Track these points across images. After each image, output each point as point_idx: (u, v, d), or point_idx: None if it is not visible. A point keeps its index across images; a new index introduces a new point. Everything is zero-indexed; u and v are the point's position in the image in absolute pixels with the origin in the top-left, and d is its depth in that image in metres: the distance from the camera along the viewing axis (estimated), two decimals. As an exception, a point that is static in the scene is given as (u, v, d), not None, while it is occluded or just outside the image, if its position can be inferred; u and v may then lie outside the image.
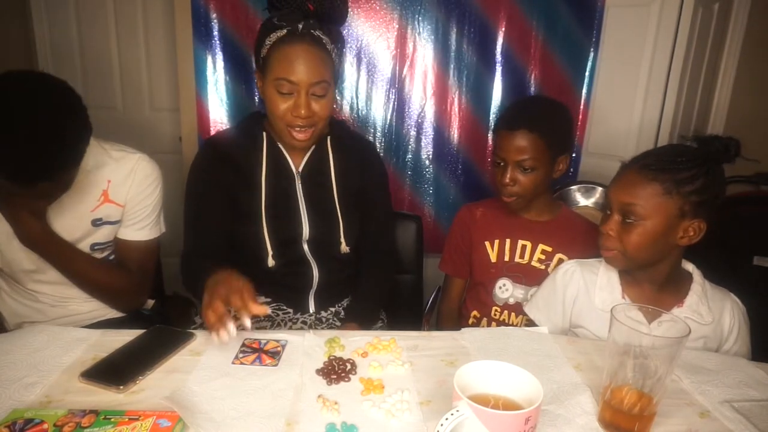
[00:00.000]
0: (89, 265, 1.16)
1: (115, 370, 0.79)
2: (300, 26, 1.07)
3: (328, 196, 1.23)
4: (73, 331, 0.91)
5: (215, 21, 2.01)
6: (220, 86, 2.08)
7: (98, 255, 1.20)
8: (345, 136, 1.28)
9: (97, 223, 1.15)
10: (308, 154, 1.22)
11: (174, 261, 1.21)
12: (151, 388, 0.77)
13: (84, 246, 1.16)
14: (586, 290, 1.08)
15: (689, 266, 1.06)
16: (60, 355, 0.83)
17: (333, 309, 1.28)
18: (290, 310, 1.24)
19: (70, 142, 0.92)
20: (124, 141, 1.20)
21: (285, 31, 1.07)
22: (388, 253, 1.37)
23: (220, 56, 2.05)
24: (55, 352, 0.84)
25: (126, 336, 0.90)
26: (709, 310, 1.01)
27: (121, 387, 0.75)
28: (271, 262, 1.18)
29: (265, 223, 1.18)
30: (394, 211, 1.43)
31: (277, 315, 1.23)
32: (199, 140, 2.13)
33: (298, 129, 1.12)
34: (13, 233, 1.07)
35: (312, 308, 1.25)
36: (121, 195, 1.16)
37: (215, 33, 2.02)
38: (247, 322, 0.85)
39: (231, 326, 0.83)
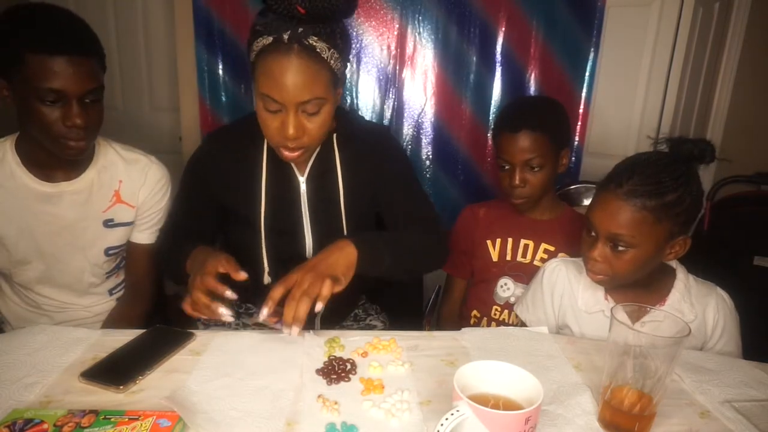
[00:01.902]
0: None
1: (115, 370, 0.79)
2: (286, 36, 0.90)
3: (335, 210, 1.12)
4: (73, 331, 0.91)
5: (216, 21, 2.01)
6: (221, 86, 2.09)
7: (113, 263, 1.21)
8: (354, 130, 1.14)
9: (108, 224, 1.15)
10: (313, 158, 1.11)
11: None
12: (151, 388, 0.77)
13: (98, 251, 1.16)
14: (571, 290, 1.07)
15: (673, 262, 1.05)
16: (60, 355, 0.83)
17: (338, 327, 1.26)
18: None
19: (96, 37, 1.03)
20: (124, 141, 1.21)
21: (270, 39, 0.91)
22: (425, 220, 1.17)
23: (220, 56, 2.05)
24: (55, 352, 0.84)
25: (126, 336, 0.90)
26: (691, 308, 1.00)
27: (121, 387, 0.75)
28: (266, 279, 1.12)
29: (263, 236, 1.10)
30: (425, 194, 1.24)
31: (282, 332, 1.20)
32: (201, 140, 2.13)
33: (287, 148, 1.00)
34: (28, 222, 1.08)
35: (318, 326, 1.20)
36: (133, 197, 1.17)
37: (216, 33, 2.02)
38: (228, 293, 0.89)
39: (222, 309, 0.88)
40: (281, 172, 1.11)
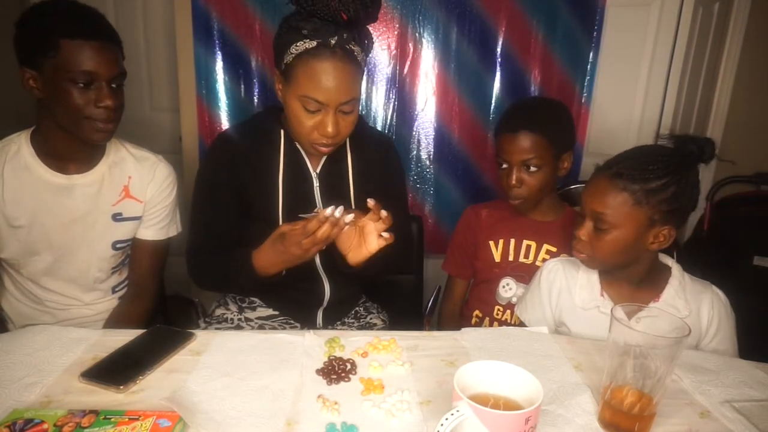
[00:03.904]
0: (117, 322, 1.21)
1: (115, 370, 0.79)
2: (333, 41, 0.97)
3: (345, 202, 1.13)
4: (73, 331, 0.91)
5: (215, 21, 2.01)
6: (221, 86, 2.08)
7: (119, 258, 1.23)
8: (364, 133, 1.20)
9: (117, 217, 1.18)
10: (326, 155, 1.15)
11: (175, 261, 1.21)
12: (151, 388, 0.77)
13: (106, 245, 1.18)
14: (568, 288, 1.09)
15: (669, 261, 1.07)
16: (60, 355, 0.83)
17: (339, 322, 1.28)
18: (297, 325, 1.24)
19: None
20: (125, 141, 1.21)
21: (315, 43, 0.97)
22: (406, 238, 1.27)
23: (220, 56, 2.05)
24: (55, 352, 0.84)
25: (126, 336, 0.90)
26: (686, 303, 1.01)
27: (121, 387, 0.75)
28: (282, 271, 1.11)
29: None
30: (410, 214, 1.35)
31: (284, 328, 1.23)
32: (200, 141, 2.13)
33: (322, 144, 1.06)
34: (40, 213, 1.10)
35: (319, 323, 1.24)
36: (141, 192, 1.20)
37: (215, 33, 2.02)
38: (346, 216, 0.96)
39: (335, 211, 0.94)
40: (296, 168, 1.15)
